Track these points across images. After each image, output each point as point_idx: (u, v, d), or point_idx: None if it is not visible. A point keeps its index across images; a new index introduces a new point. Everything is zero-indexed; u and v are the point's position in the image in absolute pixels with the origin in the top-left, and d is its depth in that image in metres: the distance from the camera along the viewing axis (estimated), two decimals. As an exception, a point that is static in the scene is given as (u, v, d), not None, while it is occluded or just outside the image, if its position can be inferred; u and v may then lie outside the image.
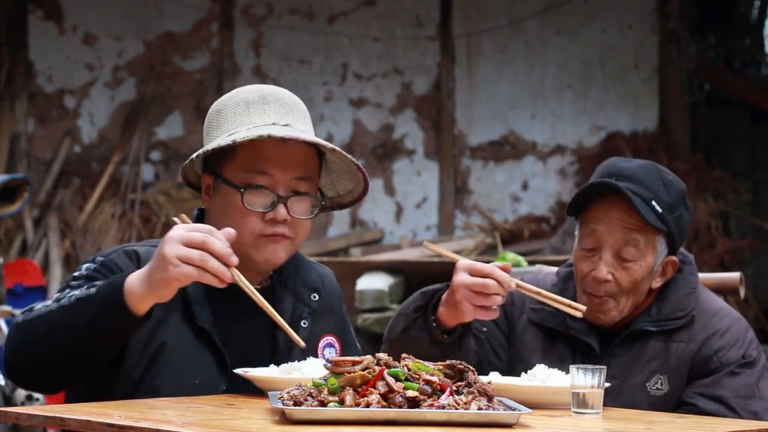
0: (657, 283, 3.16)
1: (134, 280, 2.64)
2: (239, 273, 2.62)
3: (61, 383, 2.76)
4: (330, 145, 2.92)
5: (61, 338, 2.66)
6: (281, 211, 2.90)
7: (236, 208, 2.90)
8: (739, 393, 3.08)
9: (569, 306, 2.88)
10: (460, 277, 2.85)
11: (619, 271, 3.09)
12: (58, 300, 2.71)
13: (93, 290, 2.68)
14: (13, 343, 2.73)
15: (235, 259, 2.59)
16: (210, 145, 2.91)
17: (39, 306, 2.73)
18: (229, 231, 2.63)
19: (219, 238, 2.59)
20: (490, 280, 2.81)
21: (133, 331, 2.71)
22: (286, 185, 2.91)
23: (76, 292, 2.70)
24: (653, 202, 3.07)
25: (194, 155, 2.92)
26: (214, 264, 2.56)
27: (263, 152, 2.90)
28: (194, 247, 2.56)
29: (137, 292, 2.62)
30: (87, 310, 2.66)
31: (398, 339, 2.99)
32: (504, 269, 2.82)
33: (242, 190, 2.89)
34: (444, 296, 2.96)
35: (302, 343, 2.66)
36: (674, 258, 3.16)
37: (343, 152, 2.94)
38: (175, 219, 2.69)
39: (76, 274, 2.89)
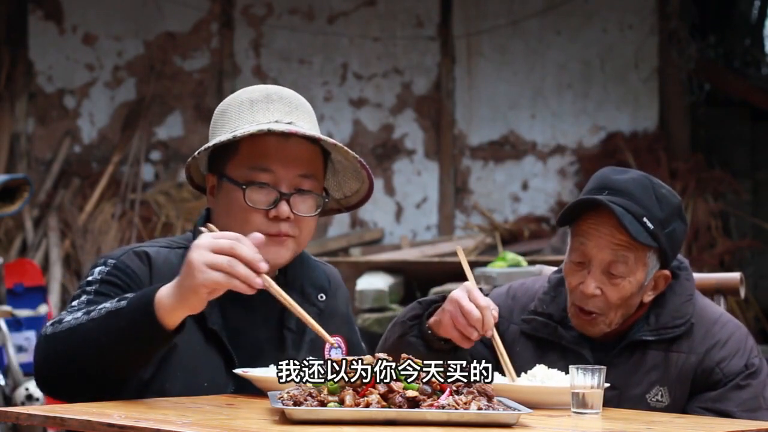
0: (648, 297, 3.12)
1: (164, 292, 2.60)
2: (269, 278, 2.60)
3: (92, 394, 2.74)
4: (332, 140, 2.91)
5: (93, 352, 2.64)
6: (284, 208, 2.89)
7: (239, 206, 2.89)
8: (746, 407, 3.05)
9: (509, 372, 2.85)
10: (458, 294, 2.85)
11: (607, 286, 3.05)
12: (88, 312, 2.67)
13: (124, 303, 2.64)
14: (44, 356, 2.70)
15: (264, 266, 2.56)
16: (211, 142, 2.91)
17: (68, 318, 2.69)
18: (257, 236, 2.61)
19: (247, 245, 2.56)
20: (477, 311, 2.81)
21: (166, 344, 2.67)
22: (289, 182, 2.90)
23: (107, 305, 2.66)
24: (644, 219, 3.02)
25: (196, 153, 2.92)
26: (242, 269, 2.53)
27: (265, 149, 2.90)
28: (222, 254, 2.53)
29: (167, 304, 2.58)
30: (118, 324, 2.62)
31: (393, 346, 2.99)
32: (494, 318, 2.83)
33: (244, 187, 2.88)
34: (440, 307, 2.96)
35: (332, 341, 2.66)
36: (666, 272, 3.11)
37: (346, 148, 2.92)
38: (202, 229, 2.68)
39: (89, 278, 2.86)
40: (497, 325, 3.21)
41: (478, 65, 9.89)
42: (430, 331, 2.93)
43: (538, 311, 3.19)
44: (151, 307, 2.59)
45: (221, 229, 2.86)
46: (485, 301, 2.82)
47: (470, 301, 2.82)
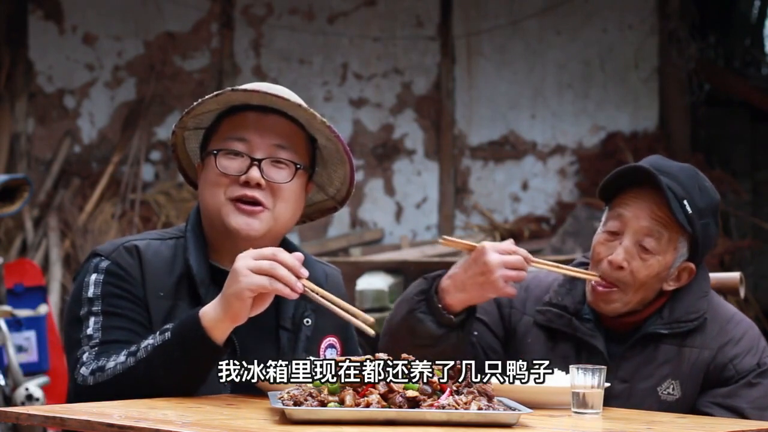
0: (669, 287, 3.13)
1: (207, 308, 2.68)
2: (310, 283, 2.67)
3: None
4: (297, 100, 2.91)
5: (151, 390, 2.69)
6: (254, 173, 2.89)
7: (212, 174, 2.92)
8: (757, 404, 3.06)
9: (584, 274, 3.04)
10: (494, 257, 2.94)
11: (636, 260, 3.07)
12: (132, 354, 2.71)
13: (168, 335, 2.70)
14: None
15: (305, 272, 2.65)
16: (184, 112, 2.97)
17: (110, 364, 2.73)
18: (299, 255, 2.69)
19: (288, 254, 2.65)
20: (518, 256, 2.96)
21: (219, 360, 2.70)
22: (263, 151, 2.92)
23: (150, 341, 2.71)
24: (685, 202, 3.06)
25: (174, 126, 3.02)
26: (284, 272, 2.62)
27: (243, 122, 2.94)
28: (265, 259, 2.63)
29: (212, 318, 2.66)
30: (172, 355, 2.68)
31: (400, 323, 3.00)
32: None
33: (215, 153, 2.91)
34: (449, 281, 2.98)
35: (371, 331, 2.70)
36: (692, 265, 3.13)
37: (312, 111, 2.91)
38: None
39: (90, 294, 2.87)
40: (510, 316, 3.23)
41: (478, 65, 9.89)
42: (440, 305, 2.96)
43: (553, 302, 3.19)
44: (199, 327, 2.66)
45: (202, 204, 2.94)
46: (512, 245, 2.99)
47: (507, 255, 2.95)
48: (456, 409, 2.36)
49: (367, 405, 2.36)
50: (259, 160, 2.90)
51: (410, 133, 9.91)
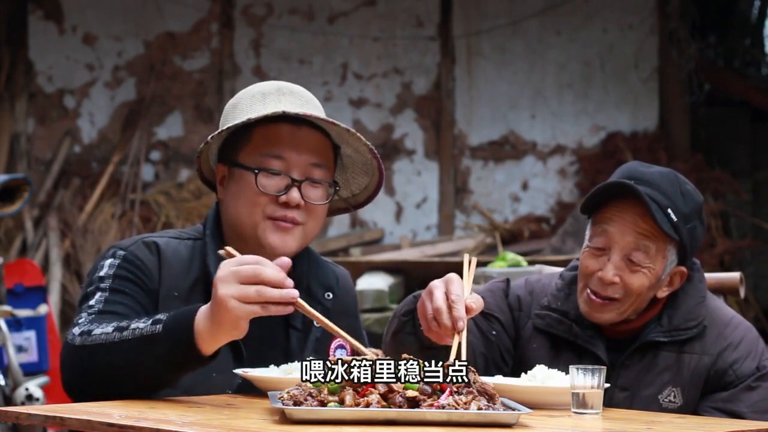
0: (663, 293, 3.12)
1: (203, 323, 2.59)
2: (301, 301, 2.58)
3: (120, 399, 2.75)
4: (345, 125, 2.93)
5: (126, 373, 2.66)
6: (294, 194, 2.90)
7: (250, 191, 2.91)
8: (756, 408, 3.06)
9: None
10: (434, 283, 2.71)
11: (626, 273, 3.05)
12: (120, 329, 2.67)
13: (159, 327, 2.63)
14: (74, 366, 2.71)
15: (290, 282, 2.54)
16: (225, 126, 2.93)
17: (98, 331, 2.70)
18: (284, 260, 2.58)
19: (270, 266, 2.53)
20: (443, 302, 2.64)
21: (200, 368, 2.68)
22: (301, 170, 2.92)
23: (140, 325, 2.66)
24: (669, 210, 3.02)
25: (209, 137, 2.94)
26: (274, 293, 2.51)
27: (278, 136, 2.92)
28: (248, 283, 2.51)
29: (207, 334, 2.59)
30: (154, 349, 2.62)
31: (390, 343, 2.96)
32: (472, 310, 2.66)
33: (256, 172, 2.90)
34: None
35: (369, 353, 2.59)
36: (683, 269, 3.11)
37: (358, 135, 2.95)
38: (221, 253, 2.64)
39: (101, 273, 2.87)
40: (519, 319, 3.19)
41: (478, 65, 9.89)
42: (422, 327, 2.78)
43: (552, 307, 3.17)
44: (190, 334, 2.59)
45: (230, 216, 2.90)
46: (456, 296, 2.64)
47: (443, 292, 2.66)
48: (456, 409, 2.36)
49: (367, 405, 2.35)
50: (300, 182, 2.90)
51: (410, 133, 9.91)
